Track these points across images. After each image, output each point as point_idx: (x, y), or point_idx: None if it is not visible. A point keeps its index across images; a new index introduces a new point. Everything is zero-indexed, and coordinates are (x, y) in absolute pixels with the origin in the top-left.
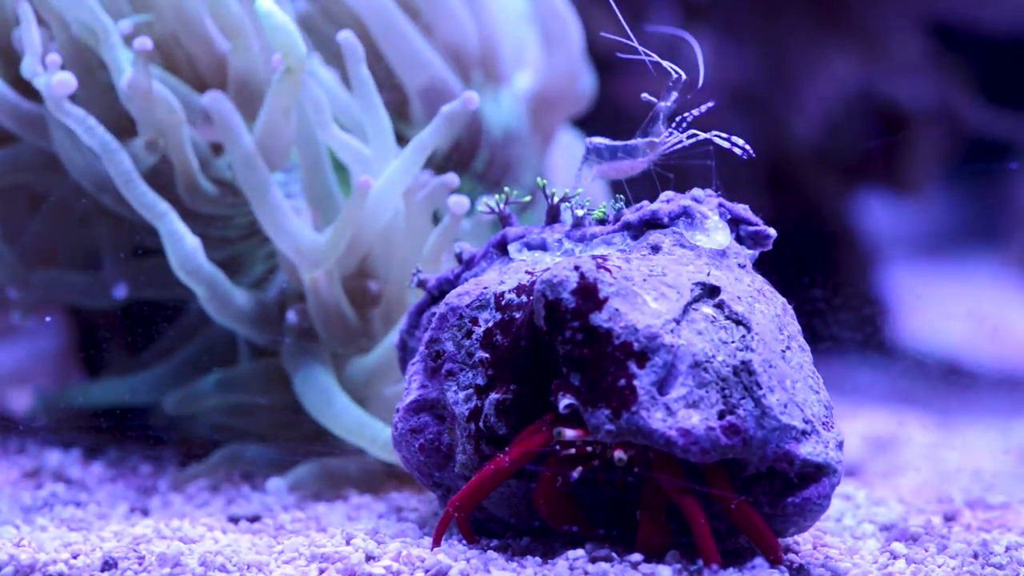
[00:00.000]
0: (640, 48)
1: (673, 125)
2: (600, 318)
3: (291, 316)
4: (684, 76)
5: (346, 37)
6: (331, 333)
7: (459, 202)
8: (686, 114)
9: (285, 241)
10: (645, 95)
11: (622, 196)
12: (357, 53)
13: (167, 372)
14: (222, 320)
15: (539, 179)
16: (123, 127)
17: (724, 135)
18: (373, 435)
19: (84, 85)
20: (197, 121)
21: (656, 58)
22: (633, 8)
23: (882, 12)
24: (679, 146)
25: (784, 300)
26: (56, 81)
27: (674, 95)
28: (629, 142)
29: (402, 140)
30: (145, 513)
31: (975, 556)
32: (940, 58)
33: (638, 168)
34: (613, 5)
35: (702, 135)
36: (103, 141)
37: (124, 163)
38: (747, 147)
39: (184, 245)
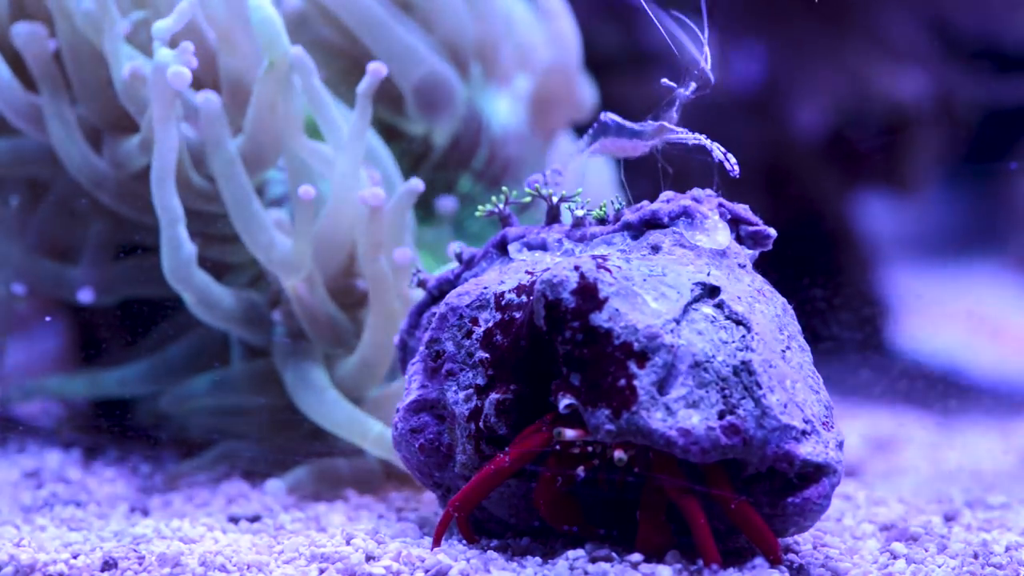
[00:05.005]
0: (700, 35)
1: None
2: (600, 318)
3: (276, 316)
4: (707, 65)
5: (296, 53)
6: (320, 336)
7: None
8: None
9: (259, 252)
10: (664, 80)
11: (621, 196)
12: (307, 67)
13: (160, 365)
14: (212, 322)
15: (536, 186)
16: (120, 122)
17: (722, 149)
18: (364, 430)
19: (83, 78)
20: (192, 118)
21: (704, 52)
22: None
23: (884, 11)
24: (683, 140)
25: (784, 300)
26: (173, 73)
27: (693, 85)
28: (640, 124)
29: (400, 136)
30: (145, 513)
31: (975, 556)
32: (942, 56)
33: (639, 150)
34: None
35: (704, 141)
36: (168, 136)
37: (171, 163)
38: (736, 167)
39: (181, 253)
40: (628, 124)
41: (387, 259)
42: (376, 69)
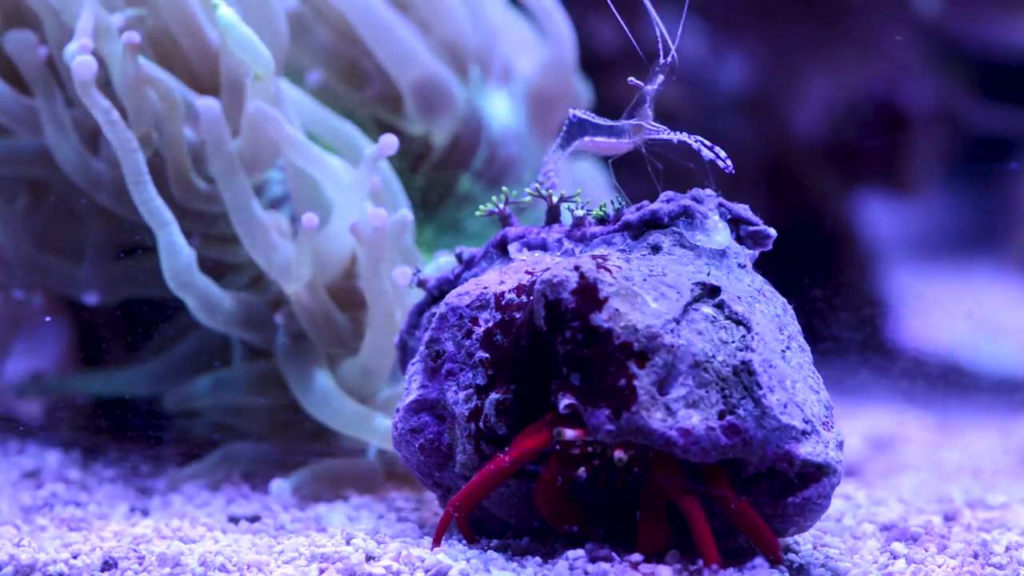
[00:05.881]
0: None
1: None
2: (600, 318)
3: (278, 319)
4: (672, 58)
5: (258, 107)
6: (322, 338)
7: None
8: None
9: (259, 257)
10: (631, 79)
11: (621, 196)
12: (274, 118)
13: (164, 366)
14: (213, 325)
15: (536, 186)
16: None
17: (708, 143)
18: (372, 426)
19: None
20: (192, 118)
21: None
22: (628, 5)
23: (882, 12)
24: (666, 137)
25: (784, 300)
26: (77, 63)
27: (660, 78)
28: (614, 122)
29: (400, 136)
30: (145, 513)
31: (975, 556)
32: (940, 58)
33: (622, 149)
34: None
35: (687, 137)
36: (123, 137)
37: (139, 163)
38: (728, 160)
39: (180, 258)
40: (601, 121)
41: (387, 277)
42: (388, 144)
